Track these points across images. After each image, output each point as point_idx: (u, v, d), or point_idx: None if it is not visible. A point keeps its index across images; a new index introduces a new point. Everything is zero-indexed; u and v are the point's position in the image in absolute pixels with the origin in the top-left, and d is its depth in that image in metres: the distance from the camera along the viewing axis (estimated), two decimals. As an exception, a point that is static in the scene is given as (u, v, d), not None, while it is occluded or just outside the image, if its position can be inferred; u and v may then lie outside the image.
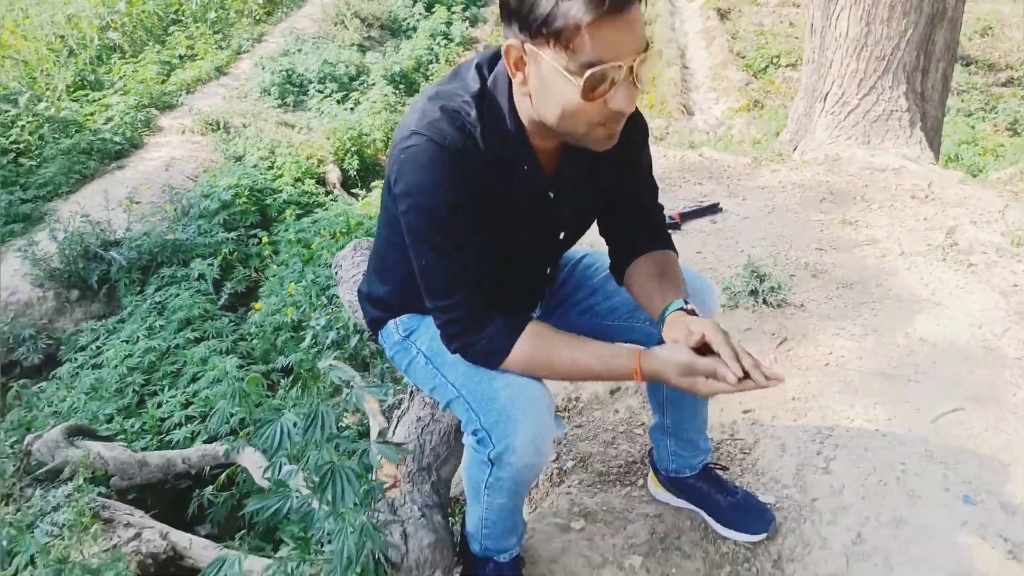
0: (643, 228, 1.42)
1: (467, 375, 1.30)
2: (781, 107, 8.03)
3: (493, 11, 10.57)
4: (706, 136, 7.78)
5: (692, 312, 1.25)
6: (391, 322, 1.49)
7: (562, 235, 1.39)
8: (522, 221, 1.28)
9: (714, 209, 3.11)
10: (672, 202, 3.22)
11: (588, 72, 1.02)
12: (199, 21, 8.21)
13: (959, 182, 3.39)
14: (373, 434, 2.60)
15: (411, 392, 1.77)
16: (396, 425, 1.69)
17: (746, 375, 1.13)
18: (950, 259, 2.61)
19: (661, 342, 1.38)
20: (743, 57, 9.15)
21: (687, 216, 3.06)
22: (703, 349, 1.17)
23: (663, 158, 3.73)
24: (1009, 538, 1.56)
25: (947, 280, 2.49)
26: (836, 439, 1.86)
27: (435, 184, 1.15)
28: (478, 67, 1.20)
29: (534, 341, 1.24)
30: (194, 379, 3.71)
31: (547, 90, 1.08)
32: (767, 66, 8.96)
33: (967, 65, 8.74)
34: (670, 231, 1.48)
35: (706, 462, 1.71)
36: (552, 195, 1.29)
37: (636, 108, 1.31)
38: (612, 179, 1.35)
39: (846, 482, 1.73)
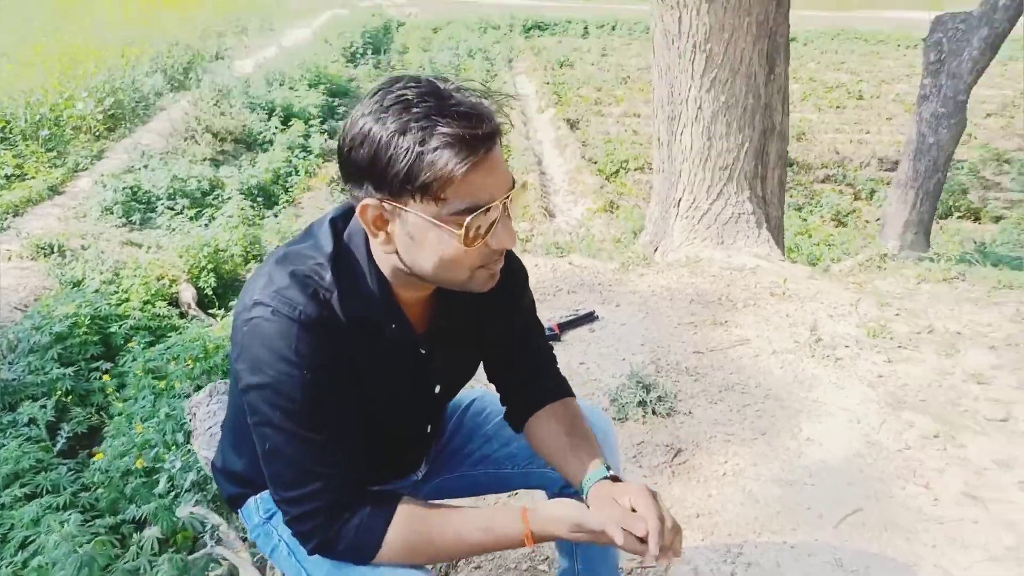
0: (536, 372, 1.33)
1: (332, 574, 1.11)
2: (635, 207, 8.52)
3: (351, 123, 10.66)
4: (569, 236, 8.06)
5: (615, 478, 1.14)
6: (251, 500, 1.28)
7: (437, 388, 1.25)
8: (394, 382, 1.14)
9: (591, 317, 3.12)
10: (549, 312, 3.20)
11: (467, 219, 0.94)
12: (29, 139, 7.63)
13: (808, 277, 3.63)
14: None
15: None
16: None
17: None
18: (818, 355, 2.73)
19: (564, 490, 1.32)
20: (595, 162, 9.69)
21: (565, 326, 3.04)
22: None
23: (535, 268, 3.75)
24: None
25: (820, 376, 2.59)
26: (747, 556, 1.80)
27: (282, 362, 0.99)
28: (332, 223, 1.08)
29: (409, 523, 1.06)
30: (23, 545, 3.15)
31: (419, 244, 0.98)
32: (618, 170, 9.54)
33: (790, 165, 9.72)
34: (551, 342, 1.39)
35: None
36: (424, 351, 1.16)
37: (514, 260, 1.25)
38: (492, 325, 1.25)
39: (765, 605, 1.66)
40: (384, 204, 0.96)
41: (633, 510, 1.04)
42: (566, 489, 1.40)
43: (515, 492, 1.99)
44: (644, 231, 4.98)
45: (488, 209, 0.95)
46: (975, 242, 6.33)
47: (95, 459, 3.63)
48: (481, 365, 1.35)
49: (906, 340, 2.85)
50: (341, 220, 1.09)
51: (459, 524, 1.07)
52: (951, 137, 5.18)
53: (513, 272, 1.25)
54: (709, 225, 4.28)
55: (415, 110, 0.91)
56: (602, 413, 1.41)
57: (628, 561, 1.88)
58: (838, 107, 12.26)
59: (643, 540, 1.00)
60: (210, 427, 1.85)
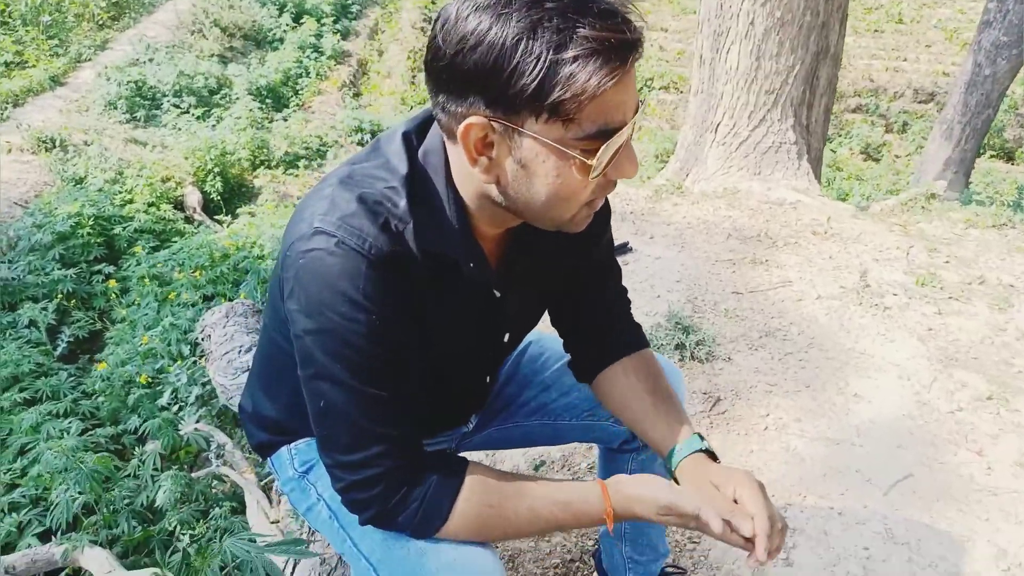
0: (610, 319, 1.17)
1: (386, 546, 0.96)
2: (658, 128, 8.20)
3: (365, 24, 10.15)
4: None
5: (711, 454, 1.00)
6: (283, 449, 1.13)
7: (507, 337, 1.09)
8: (461, 328, 0.99)
9: (624, 249, 2.94)
10: (578, 240, 3.02)
11: (602, 147, 0.76)
12: (29, 24, 7.25)
13: (852, 216, 3.42)
14: (250, 511, 2.20)
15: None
16: (294, 568, 1.34)
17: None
18: (865, 303, 2.56)
19: (631, 439, 1.26)
20: (618, 79, 9.27)
21: (597, 257, 2.86)
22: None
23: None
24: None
25: (867, 326, 2.43)
26: (792, 521, 1.68)
27: (347, 304, 0.82)
28: (405, 139, 0.89)
29: (480, 495, 0.92)
30: (22, 452, 3.09)
31: (534, 173, 0.79)
32: (641, 87, 9.13)
33: (822, 92, 9.28)
34: None
35: (663, 567, 1.48)
36: (498, 293, 0.99)
37: None
38: (570, 264, 1.08)
39: (811, 575, 1.55)
40: (494, 123, 0.77)
41: (734, 501, 0.90)
42: (627, 444, 1.29)
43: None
44: (674, 156, 4.72)
45: (624, 132, 0.77)
46: (1018, 187, 6.06)
47: (97, 368, 3.54)
48: None
49: (957, 291, 2.67)
50: (416, 136, 0.90)
51: (534, 498, 0.93)
52: (1009, 70, 4.84)
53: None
54: (747, 154, 4.03)
55: (548, 4, 0.71)
56: (675, 367, 1.26)
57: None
58: (876, 31, 11.66)
59: (748, 539, 0.87)
60: (227, 352, 1.71)
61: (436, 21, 0.78)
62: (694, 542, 1.69)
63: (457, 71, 0.75)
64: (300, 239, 0.84)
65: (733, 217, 3.31)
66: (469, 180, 0.86)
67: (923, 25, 12.12)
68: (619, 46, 0.72)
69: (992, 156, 8.24)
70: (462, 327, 0.99)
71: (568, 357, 1.21)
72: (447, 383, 1.05)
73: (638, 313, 2.50)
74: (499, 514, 0.92)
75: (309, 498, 1.10)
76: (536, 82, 0.72)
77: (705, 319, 2.48)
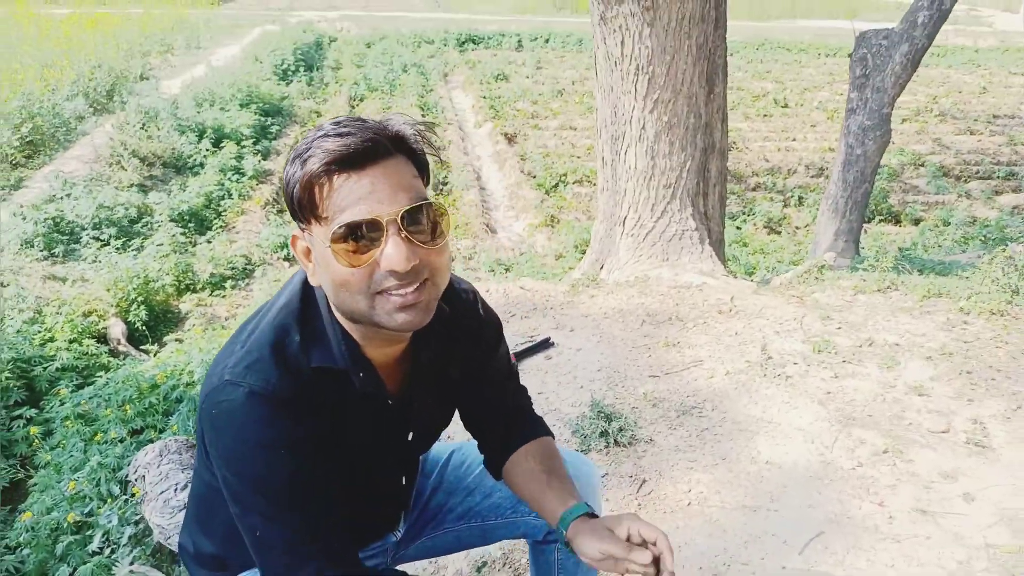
0: (512, 417, 1.31)
1: None
2: (575, 220, 8.59)
3: (285, 143, 10.42)
4: (512, 252, 8.07)
5: (592, 515, 1.13)
6: None
7: (411, 436, 1.21)
8: (365, 435, 1.10)
9: (546, 344, 3.10)
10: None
11: (343, 232, 0.91)
12: (-61, 168, 7.21)
13: (753, 292, 3.70)
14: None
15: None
16: None
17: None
18: (769, 374, 2.77)
19: (549, 536, 1.35)
20: (534, 177, 9.74)
21: (522, 355, 3.01)
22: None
23: (487, 293, 3.71)
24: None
25: (772, 396, 2.63)
26: (718, 591, 1.79)
27: (259, 448, 0.95)
28: (303, 283, 1.05)
29: None
30: (-58, 619, 2.93)
31: (322, 267, 0.96)
32: (557, 183, 9.59)
33: (723, 175, 9.96)
34: None
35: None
36: (391, 401, 1.12)
37: (485, 311, 1.24)
38: (468, 374, 1.23)
39: (739, 641, 1.66)
40: (300, 232, 0.98)
41: (628, 539, 1.05)
42: (551, 535, 1.39)
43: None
44: (589, 249, 5.00)
45: (370, 226, 0.91)
46: (900, 249, 6.60)
47: (22, 518, 3.41)
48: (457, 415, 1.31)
49: (849, 354, 2.92)
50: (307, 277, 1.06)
51: None
52: (877, 148, 5.39)
53: (486, 323, 1.24)
54: (654, 243, 4.33)
55: (307, 138, 0.93)
56: (586, 460, 1.40)
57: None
58: (765, 115, 12.66)
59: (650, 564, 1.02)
60: (163, 492, 1.75)
61: None
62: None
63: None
64: (213, 391, 0.97)
65: (645, 304, 3.54)
66: (321, 292, 1.03)
67: (806, 107, 13.25)
68: (344, 150, 0.90)
69: (881, 220, 8.94)
70: (366, 434, 1.10)
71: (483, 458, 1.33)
72: (365, 487, 1.15)
73: (563, 404, 2.65)
74: None
75: (251, 630, 1.16)
76: (295, 189, 0.92)
77: (626, 404, 2.63)
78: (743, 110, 12.88)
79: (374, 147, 0.91)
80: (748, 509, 2.07)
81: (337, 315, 1.02)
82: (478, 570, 2.07)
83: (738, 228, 8.34)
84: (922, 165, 10.39)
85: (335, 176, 0.90)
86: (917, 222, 8.75)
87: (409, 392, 1.13)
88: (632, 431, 2.42)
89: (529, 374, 2.90)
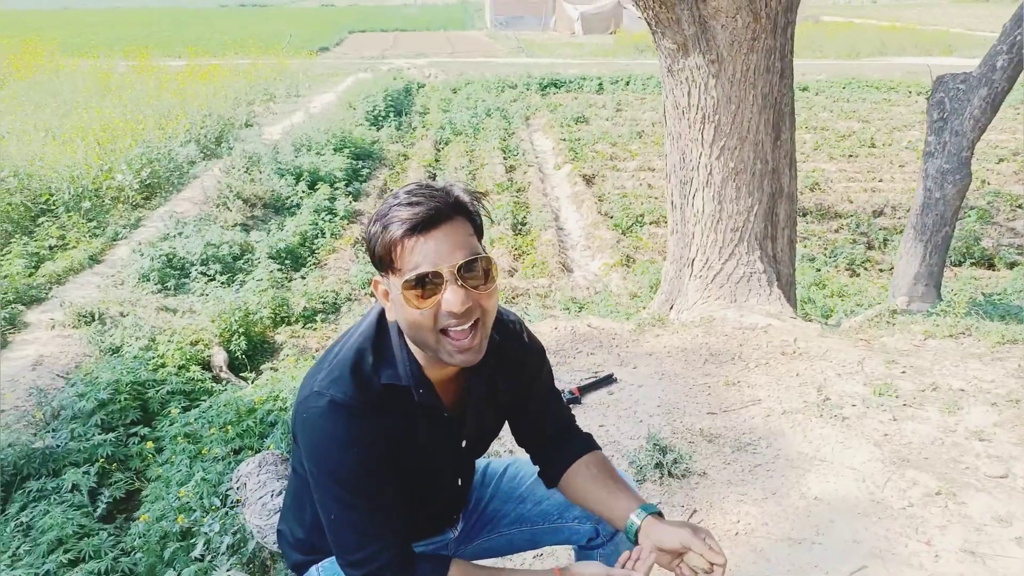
0: (560, 431, 1.52)
1: None
2: (650, 261, 8.69)
3: (375, 185, 11.01)
4: (586, 291, 8.24)
5: (659, 515, 1.33)
6: (313, 568, 1.45)
7: (464, 444, 1.43)
8: (429, 446, 1.33)
9: (609, 380, 3.27)
10: (569, 375, 3.36)
11: (415, 282, 1.15)
12: (71, 211, 8.04)
13: (818, 335, 3.76)
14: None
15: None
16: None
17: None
18: (826, 414, 2.85)
19: (595, 536, 1.54)
20: (611, 217, 9.92)
21: (585, 389, 3.19)
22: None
23: (554, 331, 3.91)
24: None
25: (827, 436, 2.71)
26: (759, 615, 1.91)
27: (337, 446, 1.20)
28: (379, 313, 1.31)
29: None
30: (70, 611, 3.31)
31: (398, 308, 1.20)
32: (633, 224, 9.74)
33: (804, 215, 9.87)
34: (571, 405, 1.59)
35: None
36: (447, 414, 1.35)
37: (529, 338, 1.45)
38: (518, 390, 1.45)
39: (775, 661, 1.77)
40: (380, 281, 1.22)
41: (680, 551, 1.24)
42: (593, 541, 1.57)
43: (542, 551, 2.13)
44: (659, 290, 5.14)
45: (434, 276, 1.15)
46: (984, 294, 6.40)
47: (139, 521, 3.80)
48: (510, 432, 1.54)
49: (911, 398, 2.96)
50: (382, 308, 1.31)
51: None
52: (957, 192, 5.32)
53: (530, 350, 1.47)
54: (722, 284, 4.44)
55: (386, 203, 1.18)
56: (624, 472, 1.58)
57: None
58: (851, 156, 12.44)
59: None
60: (261, 496, 2.02)
61: None
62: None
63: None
64: (304, 399, 1.24)
65: (709, 343, 3.66)
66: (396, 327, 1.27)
67: (895, 147, 12.95)
68: (415, 214, 1.14)
69: (973, 264, 8.63)
70: (426, 440, 1.33)
71: (537, 469, 1.54)
72: (425, 486, 1.38)
73: (623, 438, 2.82)
74: None
75: (333, 607, 1.40)
76: (375, 247, 1.17)
77: (683, 439, 2.77)
78: (827, 150, 12.71)
79: (438, 214, 1.15)
80: (793, 541, 2.18)
81: (408, 342, 1.27)
82: None
83: (817, 270, 8.24)
84: (1020, 207, 9.99)
85: (407, 239, 1.14)
86: (1012, 266, 8.41)
87: (463, 406, 1.36)
88: (686, 464, 2.56)
89: (591, 408, 3.08)
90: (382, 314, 1.30)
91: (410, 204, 1.14)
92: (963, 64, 5.33)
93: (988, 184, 10.74)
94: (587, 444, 1.52)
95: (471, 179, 11.30)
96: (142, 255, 7.37)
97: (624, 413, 3.02)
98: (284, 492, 1.51)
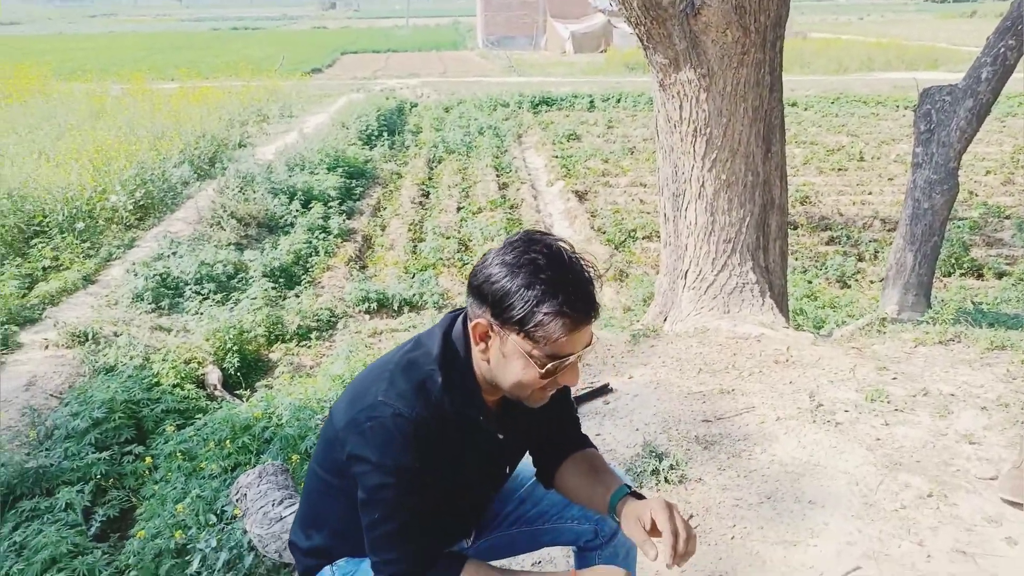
0: (563, 434, 1.55)
1: None
2: (644, 275, 8.74)
3: (368, 203, 11.06)
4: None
5: (637, 494, 1.37)
6: (327, 568, 1.48)
7: (508, 469, 1.51)
8: (477, 464, 1.40)
9: (605, 390, 3.29)
10: (564, 385, 3.38)
11: (551, 364, 1.22)
12: (65, 232, 8.04)
13: (811, 344, 3.79)
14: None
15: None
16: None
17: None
18: (819, 420, 2.88)
19: (593, 538, 1.57)
20: (604, 232, 9.98)
21: (581, 399, 3.21)
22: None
23: (550, 342, 3.93)
24: None
25: (820, 441, 2.74)
26: (755, 616, 1.92)
27: (400, 454, 1.25)
28: (443, 334, 1.35)
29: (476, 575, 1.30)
30: (63, 632, 3.28)
31: (507, 363, 1.25)
32: (625, 239, 9.80)
33: (795, 229, 9.95)
34: None
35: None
36: (502, 436, 1.41)
37: None
38: (544, 413, 1.47)
39: (772, 661, 1.78)
40: (493, 326, 1.24)
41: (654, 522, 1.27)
42: (591, 542, 1.59)
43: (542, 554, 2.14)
44: (654, 302, 5.18)
45: (570, 358, 1.23)
46: (973, 303, 6.46)
47: (135, 539, 3.78)
48: None
49: (902, 403, 2.99)
50: (445, 330, 1.36)
51: None
52: (944, 202, 5.40)
53: None
54: (715, 295, 4.48)
55: (542, 275, 1.19)
56: (616, 467, 1.61)
57: None
58: (840, 169, 12.57)
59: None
60: (262, 506, 2.03)
61: (482, 257, 1.28)
62: (672, 642, 1.92)
63: (481, 292, 1.24)
64: (367, 408, 1.28)
65: (703, 353, 3.69)
66: (479, 364, 1.31)
67: (883, 160, 13.09)
68: (578, 320, 1.21)
69: (963, 274, 8.71)
70: (479, 463, 1.40)
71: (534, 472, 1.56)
72: (464, 500, 1.44)
73: (619, 446, 2.84)
74: None
75: (348, 601, 1.42)
76: (523, 315, 1.19)
77: (679, 447, 2.79)
78: (816, 164, 12.84)
79: (593, 318, 1.24)
80: (788, 544, 2.19)
81: (477, 370, 1.32)
82: None
83: (808, 282, 8.31)
84: (1007, 217, 10.10)
85: (563, 334, 1.20)
86: (1001, 275, 8.49)
87: (505, 426, 1.42)
88: (682, 470, 2.58)
89: (587, 418, 3.10)
90: (447, 336, 1.34)
91: (574, 308, 1.20)
92: (949, 77, 5.42)
93: (976, 196, 10.85)
94: (580, 443, 1.56)
95: (464, 197, 11.37)
96: (136, 275, 7.36)
97: (620, 422, 3.03)
98: (298, 502, 1.53)
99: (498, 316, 1.22)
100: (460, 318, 1.36)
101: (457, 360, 1.32)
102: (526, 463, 1.62)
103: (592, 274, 1.24)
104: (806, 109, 17.11)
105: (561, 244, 1.24)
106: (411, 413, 1.25)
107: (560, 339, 1.19)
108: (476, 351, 1.29)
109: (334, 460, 1.37)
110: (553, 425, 1.55)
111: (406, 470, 1.25)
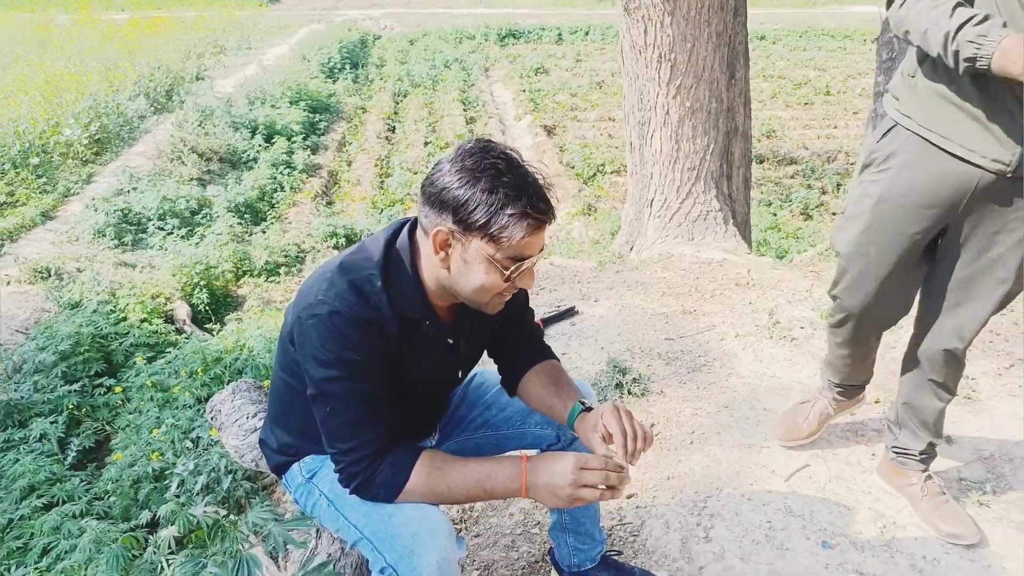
0: (527, 345, 1.60)
1: (367, 515, 1.37)
2: (612, 209, 8.81)
3: (333, 138, 10.86)
4: (550, 239, 8.34)
5: (589, 408, 1.44)
6: (295, 465, 1.54)
7: (460, 373, 1.56)
8: (427, 367, 1.44)
9: (571, 312, 3.38)
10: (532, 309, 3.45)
11: (512, 267, 1.26)
12: (19, 167, 7.80)
13: (771, 267, 3.91)
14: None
15: (317, 530, 1.78)
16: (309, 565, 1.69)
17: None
18: (776, 336, 3.01)
19: (555, 441, 1.66)
20: (572, 167, 9.98)
21: (548, 321, 3.29)
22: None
23: (518, 269, 3.99)
24: (863, 572, 1.80)
25: (777, 355, 2.86)
26: (711, 509, 2.06)
27: (339, 347, 1.28)
28: (385, 240, 1.37)
29: (429, 468, 1.35)
30: (46, 552, 3.36)
31: (469, 269, 1.28)
32: (595, 174, 9.82)
33: (760, 162, 10.06)
34: None
35: (603, 551, 1.84)
36: (451, 341, 1.46)
37: None
38: (497, 320, 1.53)
39: (725, 547, 1.92)
40: (455, 234, 1.26)
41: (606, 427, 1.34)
42: (553, 446, 1.67)
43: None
44: (620, 232, 5.25)
45: (530, 260, 1.28)
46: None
47: (113, 462, 3.84)
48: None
49: (856, 320, 3.12)
50: (389, 237, 1.38)
51: (472, 461, 1.37)
52: (904, 131, 5.50)
53: None
54: (680, 223, 4.56)
55: (504, 179, 1.22)
56: (580, 380, 1.69)
57: (608, 521, 2.14)
58: (806, 103, 12.63)
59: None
60: (237, 419, 2.09)
61: (434, 165, 1.29)
62: (633, 535, 2.05)
63: (439, 199, 1.26)
64: (308, 307, 1.31)
65: (667, 277, 3.78)
66: (431, 265, 1.34)
67: (849, 95, 13.18)
68: (540, 218, 1.25)
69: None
70: (429, 366, 1.44)
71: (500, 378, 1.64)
72: (418, 399, 1.49)
73: (584, 363, 2.93)
74: (443, 480, 1.34)
75: (313, 496, 1.50)
76: (485, 219, 1.22)
77: (642, 362, 2.90)
78: (783, 98, 12.87)
79: (551, 219, 1.28)
80: (743, 446, 2.33)
81: (425, 276, 1.35)
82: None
83: (773, 215, 8.46)
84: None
85: (525, 235, 1.24)
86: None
87: (457, 331, 1.46)
88: (645, 384, 2.69)
89: (554, 339, 3.19)
90: (390, 245, 1.36)
91: (536, 210, 1.24)
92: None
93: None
94: (543, 354, 1.61)
95: (431, 131, 11.22)
96: (96, 210, 7.21)
97: (586, 342, 3.13)
98: (267, 404, 1.58)
99: (460, 222, 1.24)
100: (406, 228, 1.38)
101: (399, 268, 1.35)
102: (491, 372, 1.69)
103: (545, 179, 1.29)
104: (774, 43, 17.02)
105: (513, 151, 1.28)
106: (348, 311, 1.28)
107: (522, 240, 1.23)
108: (436, 260, 1.30)
109: (289, 360, 1.42)
110: (514, 334, 1.61)
111: (348, 362, 1.28)
